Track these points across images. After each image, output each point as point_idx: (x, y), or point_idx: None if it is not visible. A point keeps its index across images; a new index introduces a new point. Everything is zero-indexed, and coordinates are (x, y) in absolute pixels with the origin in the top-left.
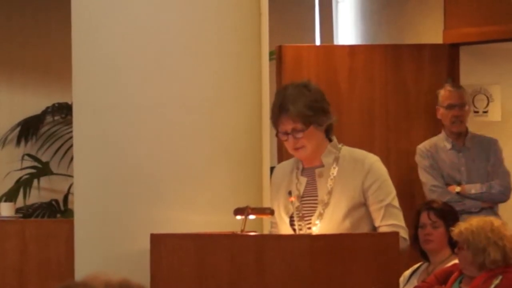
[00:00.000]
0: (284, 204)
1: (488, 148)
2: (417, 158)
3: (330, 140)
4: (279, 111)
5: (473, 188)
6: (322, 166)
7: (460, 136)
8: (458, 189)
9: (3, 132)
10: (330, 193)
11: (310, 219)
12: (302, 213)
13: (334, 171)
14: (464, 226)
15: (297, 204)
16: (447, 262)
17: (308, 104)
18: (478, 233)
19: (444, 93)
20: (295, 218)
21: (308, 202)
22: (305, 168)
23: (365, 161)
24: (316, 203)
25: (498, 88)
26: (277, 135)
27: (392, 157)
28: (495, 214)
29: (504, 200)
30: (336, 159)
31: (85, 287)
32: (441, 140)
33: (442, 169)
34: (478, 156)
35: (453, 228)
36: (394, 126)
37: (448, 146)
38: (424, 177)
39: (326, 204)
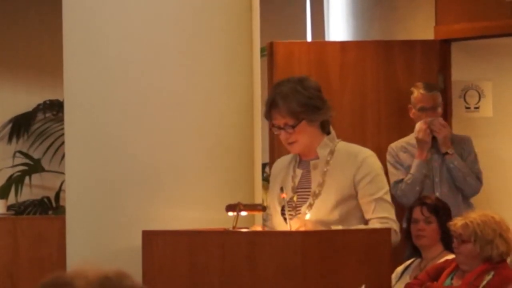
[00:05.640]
0: (278, 196)
1: (463, 144)
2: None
3: (328, 133)
4: (270, 106)
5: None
6: (317, 158)
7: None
8: None
9: None
10: (321, 185)
11: (300, 210)
12: (295, 203)
13: (329, 163)
14: (469, 219)
15: (291, 195)
16: (439, 258)
17: (299, 101)
18: (485, 225)
19: (417, 95)
20: (287, 208)
21: (301, 194)
22: (302, 160)
23: (359, 155)
24: (309, 195)
25: (489, 84)
26: (271, 129)
27: (383, 153)
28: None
29: (474, 194)
30: (332, 152)
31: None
32: (414, 138)
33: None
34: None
35: (454, 222)
36: (385, 122)
37: None
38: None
39: (317, 195)
